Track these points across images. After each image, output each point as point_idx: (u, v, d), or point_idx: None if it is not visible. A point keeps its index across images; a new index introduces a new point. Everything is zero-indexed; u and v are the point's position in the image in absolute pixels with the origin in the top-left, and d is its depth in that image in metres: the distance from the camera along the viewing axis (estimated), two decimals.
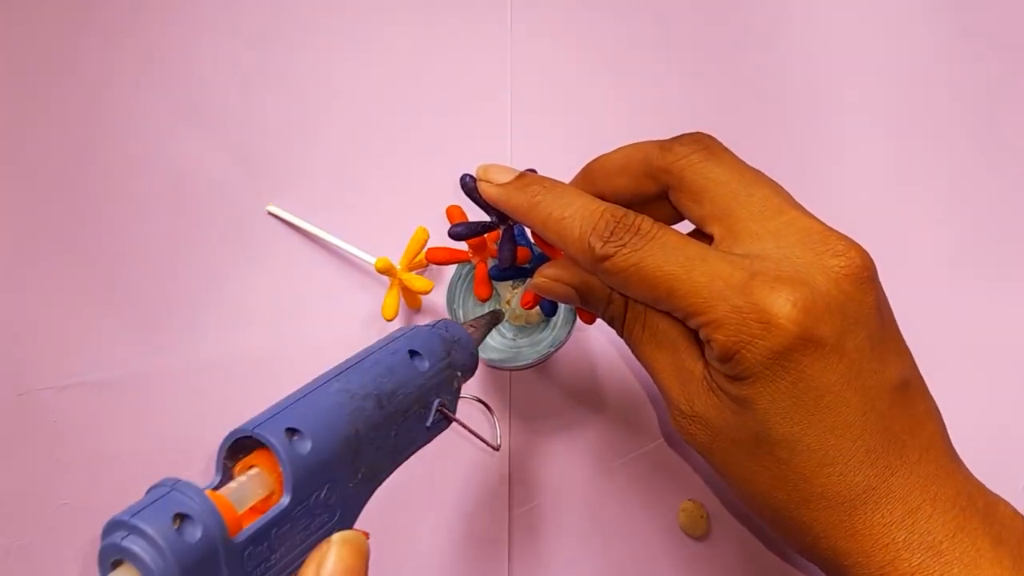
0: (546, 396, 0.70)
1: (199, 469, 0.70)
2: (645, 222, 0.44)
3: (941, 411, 0.47)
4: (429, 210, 0.63)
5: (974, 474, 0.46)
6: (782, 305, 0.41)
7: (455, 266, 0.63)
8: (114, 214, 0.77)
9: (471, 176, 0.49)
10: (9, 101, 0.80)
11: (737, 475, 0.46)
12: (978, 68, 0.76)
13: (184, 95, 0.79)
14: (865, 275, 0.43)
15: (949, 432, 0.47)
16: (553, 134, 0.76)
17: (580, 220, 0.45)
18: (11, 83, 0.80)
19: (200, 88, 0.79)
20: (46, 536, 0.71)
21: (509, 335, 0.66)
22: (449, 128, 0.77)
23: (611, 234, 0.44)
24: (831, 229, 0.44)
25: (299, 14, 0.80)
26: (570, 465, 0.69)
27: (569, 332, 0.63)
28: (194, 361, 0.73)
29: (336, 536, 0.40)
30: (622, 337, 0.49)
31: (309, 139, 0.77)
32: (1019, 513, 0.45)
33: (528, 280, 0.55)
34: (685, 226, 0.49)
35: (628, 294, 0.47)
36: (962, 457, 0.47)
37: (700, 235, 0.47)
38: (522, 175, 0.48)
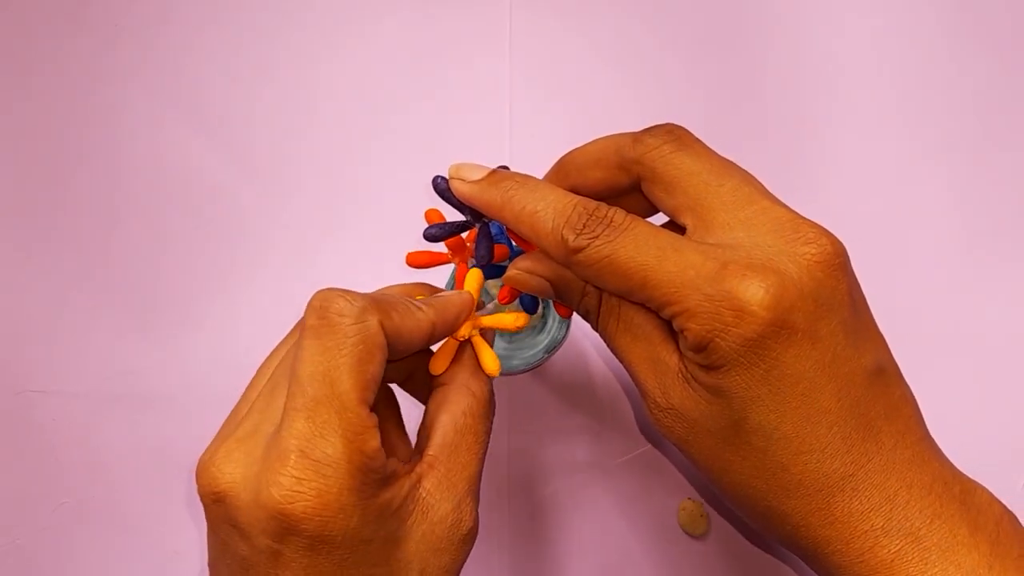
0: (544, 398, 0.70)
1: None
2: (618, 214, 0.45)
3: (940, 410, 0.48)
4: (417, 217, 0.63)
5: (974, 471, 0.46)
6: (754, 293, 0.41)
7: (449, 271, 0.63)
8: (111, 215, 0.78)
9: (443, 177, 0.50)
10: (2, 102, 0.81)
11: (715, 466, 0.46)
12: (977, 64, 0.77)
13: (181, 96, 0.80)
14: (837, 262, 0.43)
15: (949, 431, 0.48)
16: (552, 131, 0.77)
17: (553, 213, 0.45)
18: (3, 83, 0.81)
19: (197, 89, 0.80)
20: (44, 536, 0.72)
21: (504, 340, 0.66)
22: (448, 129, 0.78)
23: (583, 226, 0.44)
24: (802, 217, 0.44)
25: (294, 14, 0.81)
26: (568, 466, 0.69)
27: (564, 335, 0.63)
28: (192, 362, 0.74)
29: None
30: (596, 331, 0.49)
31: (307, 137, 0.78)
32: (996, 499, 0.45)
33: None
34: (660, 219, 0.49)
35: (602, 286, 0.47)
36: (962, 454, 0.47)
37: (674, 227, 0.48)
38: (494, 172, 0.49)
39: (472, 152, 0.73)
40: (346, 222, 0.76)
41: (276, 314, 0.73)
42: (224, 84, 0.80)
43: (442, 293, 0.51)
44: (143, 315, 0.75)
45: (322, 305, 0.44)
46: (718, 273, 0.42)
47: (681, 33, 0.78)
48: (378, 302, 0.45)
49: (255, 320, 0.74)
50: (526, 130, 0.77)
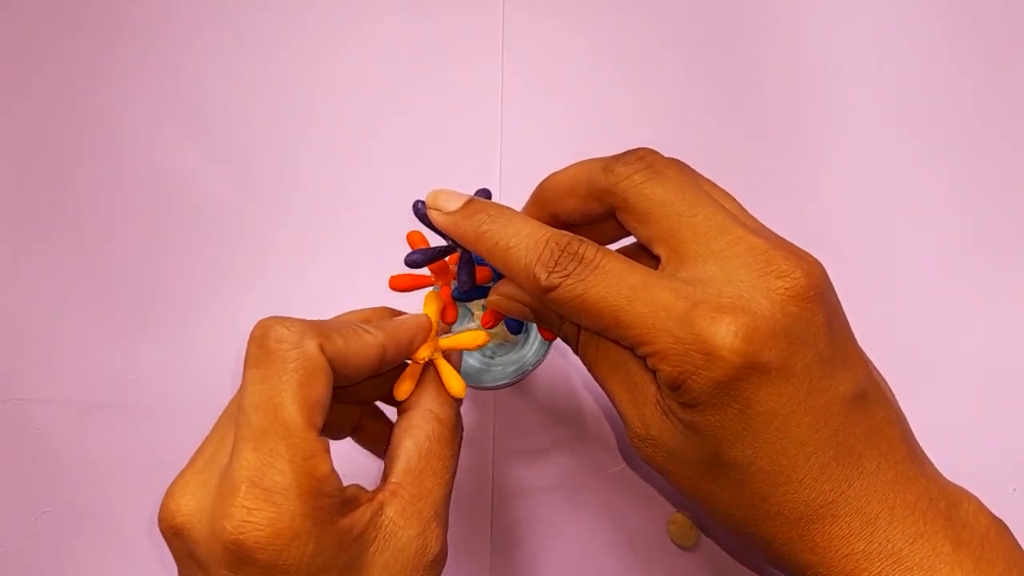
0: (530, 412, 0.70)
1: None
2: (589, 249, 0.44)
3: (934, 416, 0.47)
4: (413, 219, 0.63)
5: (965, 476, 0.46)
6: (723, 336, 0.41)
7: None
8: (110, 215, 0.78)
9: (423, 202, 0.49)
10: (2, 102, 0.81)
11: (696, 495, 0.46)
12: (977, 64, 0.76)
13: (181, 96, 0.80)
14: (811, 294, 0.42)
15: (944, 436, 0.47)
16: (546, 131, 0.77)
17: (525, 249, 0.45)
18: (3, 83, 0.82)
19: (197, 90, 0.80)
20: (27, 544, 0.72)
21: (487, 353, 0.66)
22: (447, 129, 0.78)
23: (555, 264, 0.44)
24: (776, 247, 0.43)
25: (294, 14, 0.81)
26: (555, 480, 0.69)
27: (547, 349, 0.63)
28: (182, 372, 0.74)
29: None
30: (577, 355, 0.49)
31: (306, 137, 0.78)
32: (983, 509, 0.45)
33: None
34: None
35: (577, 323, 0.47)
36: (954, 461, 0.47)
37: (649, 252, 0.47)
38: (469, 202, 0.48)
39: (468, 153, 0.74)
40: (345, 222, 0.76)
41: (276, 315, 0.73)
42: (224, 84, 0.80)
43: (397, 317, 0.51)
44: (142, 315, 0.76)
45: (261, 334, 0.44)
46: (688, 314, 0.41)
47: (680, 33, 0.78)
48: (319, 327, 0.45)
49: (254, 322, 0.74)
50: (518, 131, 0.77)
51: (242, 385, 0.43)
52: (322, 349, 0.44)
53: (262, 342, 0.43)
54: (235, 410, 0.45)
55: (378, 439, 0.56)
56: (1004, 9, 0.76)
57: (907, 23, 0.77)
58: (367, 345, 0.46)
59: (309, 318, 0.46)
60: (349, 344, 0.45)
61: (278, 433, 0.41)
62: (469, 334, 0.52)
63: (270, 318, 0.44)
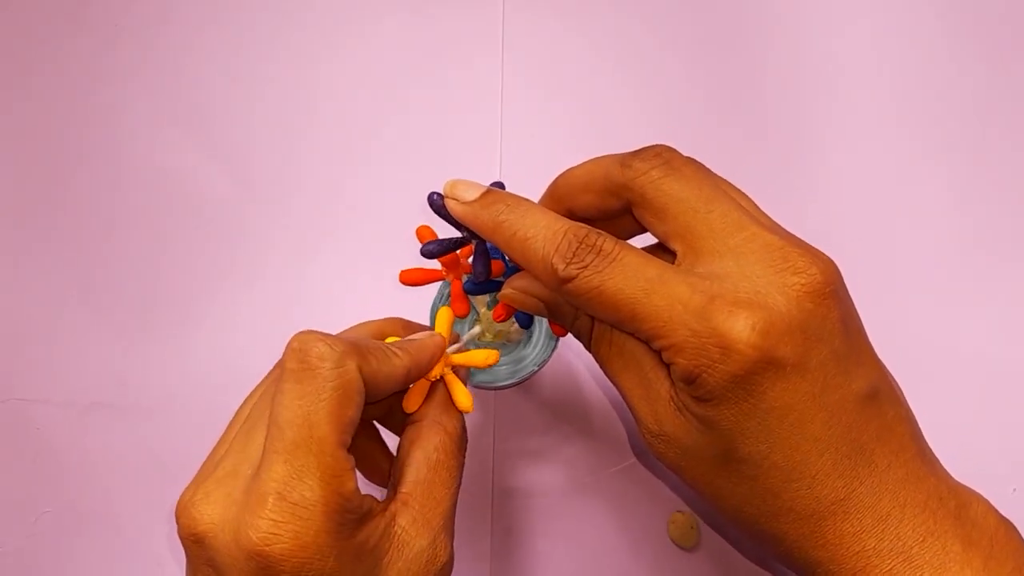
0: (530, 412, 0.70)
1: (185, 478, 0.71)
2: (607, 242, 0.44)
3: (934, 416, 0.47)
4: (413, 218, 0.62)
5: (966, 476, 0.46)
6: (740, 330, 0.41)
7: (438, 286, 0.63)
8: (110, 215, 0.78)
9: (439, 194, 0.49)
10: (2, 102, 0.81)
11: (708, 491, 0.46)
12: (977, 64, 0.76)
13: (181, 96, 0.80)
14: (827, 290, 0.42)
15: (944, 436, 0.47)
16: (546, 131, 0.77)
17: (543, 240, 0.45)
18: (3, 83, 0.82)
19: (197, 90, 0.80)
20: (27, 544, 0.72)
21: None
22: (447, 129, 0.78)
23: (573, 255, 0.44)
24: (792, 244, 0.43)
25: (294, 14, 0.81)
26: (556, 480, 0.69)
27: (552, 350, 0.63)
28: (182, 372, 0.74)
29: None
30: (589, 351, 0.49)
31: (306, 138, 0.78)
32: (992, 509, 0.45)
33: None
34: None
35: (592, 315, 0.47)
36: (954, 461, 0.47)
37: (665, 249, 0.47)
38: (487, 192, 0.48)
39: (468, 153, 0.74)
40: (345, 222, 0.76)
41: (275, 317, 0.73)
42: (224, 84, 0.80)
43: (416, 336, 0.51)
44: (142, 315, 0.75)
45: (302, 348, 0.44)
46: (705, 308, 0.41)
47: (680, 33, 0.78)
48: (357, 347, 0.45)
49: (254, 322, 0.74)
50: (518, 131, 0.77)
51: (278, 398, 0.44)
52: (360, 371, 0.44)
53: (303, 357, 0.44)
54: (259, 421, 0.46)
55: (368, 457, 0.56)
56: (1004, 9, 0.76)
57: (907, 23, 0.77)
58: (396, 368, 0.47)
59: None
60: (381, 366, 0.46)
61: (311, 449, 0.42)
62: (480, 353, 0.53)
63: (310, 333, 0.45)
